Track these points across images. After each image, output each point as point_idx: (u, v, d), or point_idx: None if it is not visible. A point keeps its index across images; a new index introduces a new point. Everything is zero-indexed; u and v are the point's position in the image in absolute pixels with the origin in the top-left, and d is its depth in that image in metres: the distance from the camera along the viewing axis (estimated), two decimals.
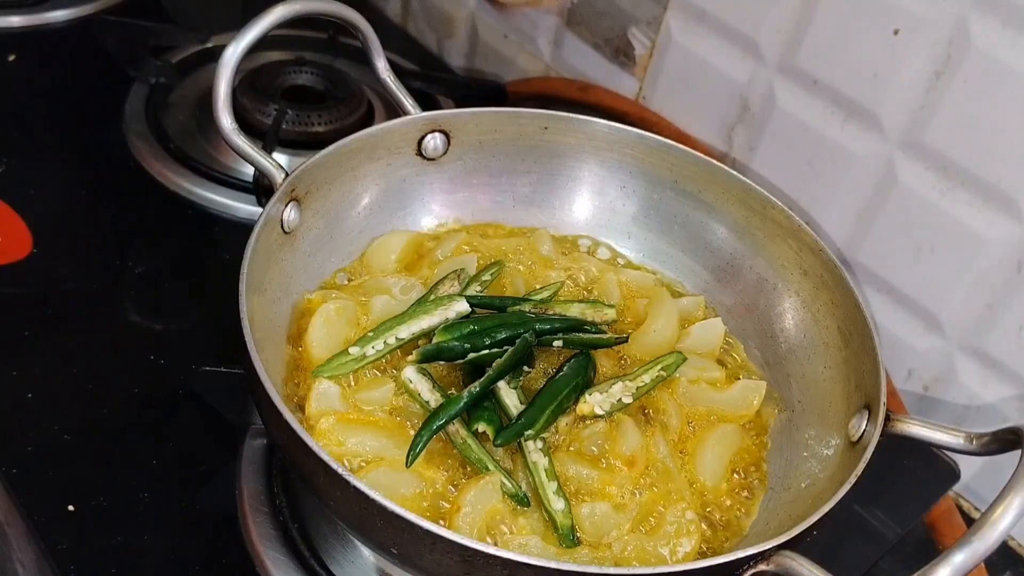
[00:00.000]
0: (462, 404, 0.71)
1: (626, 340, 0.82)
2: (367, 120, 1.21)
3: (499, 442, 0.71)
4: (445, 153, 0.91)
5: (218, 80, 0.75)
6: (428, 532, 0.55)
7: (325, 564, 0.76)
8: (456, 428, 0.72)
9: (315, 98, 1.20)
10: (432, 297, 0.81)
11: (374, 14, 1.52)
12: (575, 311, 0.84)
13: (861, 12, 0.92)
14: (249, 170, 1.09)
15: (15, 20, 1.31)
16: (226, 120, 0.76)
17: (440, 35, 1.47)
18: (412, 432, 0.72)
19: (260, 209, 0.75)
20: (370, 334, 0.77)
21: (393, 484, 0.68)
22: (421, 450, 0.69)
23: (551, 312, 0.83)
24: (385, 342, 0.77)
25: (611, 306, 0.85)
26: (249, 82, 1.18)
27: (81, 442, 0.83)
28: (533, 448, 0.71)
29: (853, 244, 1.00)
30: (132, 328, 0.96)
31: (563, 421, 0.74)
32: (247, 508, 0.79)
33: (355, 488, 0.57)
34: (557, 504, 0.69)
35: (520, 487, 0.70)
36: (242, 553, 0.77)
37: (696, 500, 0.73)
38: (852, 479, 0.63)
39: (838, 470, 0.70)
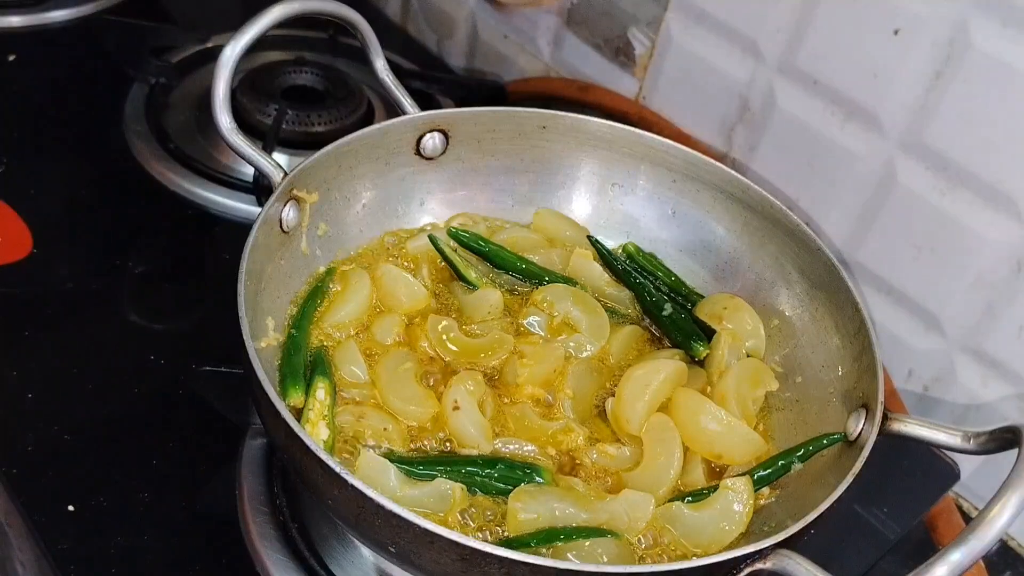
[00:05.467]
0: None
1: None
2: (367, 120, 1.21)
3: None
4: (444, 152, 0.91)
5: (217, 80, 0.75)
6: (425, 530, 0.56)
7: (325, 564, 0.76)
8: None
9: (315, 98, 1.20)
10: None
11: (374, 14, 1.52)
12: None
13: (861, 12, 0.92)
14: (249, 170, 1.09)
15: (15, 20, 1.31)
16: (225, 120, 0.76)
17: (440, 35, 1.47)
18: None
19: (260, 209, 0.75)
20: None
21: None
22: None
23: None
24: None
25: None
26: (249, 82, 1.18)
27: (81, 442, 0.83)
28: None
29: (853, 244, 1.00)
30: (132, 328, 0.96)
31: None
32: (247, 508, 0.79)
33: (353, 487, 0.57)
34: None
35: None
36: (242, 553, 0.77)
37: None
38: (849, 478, 0.63)
39: (836, 469, 0.70)
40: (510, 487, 0.69)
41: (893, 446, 0.69)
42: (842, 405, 0.76)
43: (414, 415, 0.75)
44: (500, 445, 0.74)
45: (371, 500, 0.56)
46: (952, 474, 0.95)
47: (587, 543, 0.66)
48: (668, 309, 0.87)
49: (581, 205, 0.95)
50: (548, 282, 0.88)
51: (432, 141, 0.90)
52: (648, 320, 0.88)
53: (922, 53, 0.89)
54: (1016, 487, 0.55)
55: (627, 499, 0.69)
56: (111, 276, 1.02)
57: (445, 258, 0.88)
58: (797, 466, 0.74)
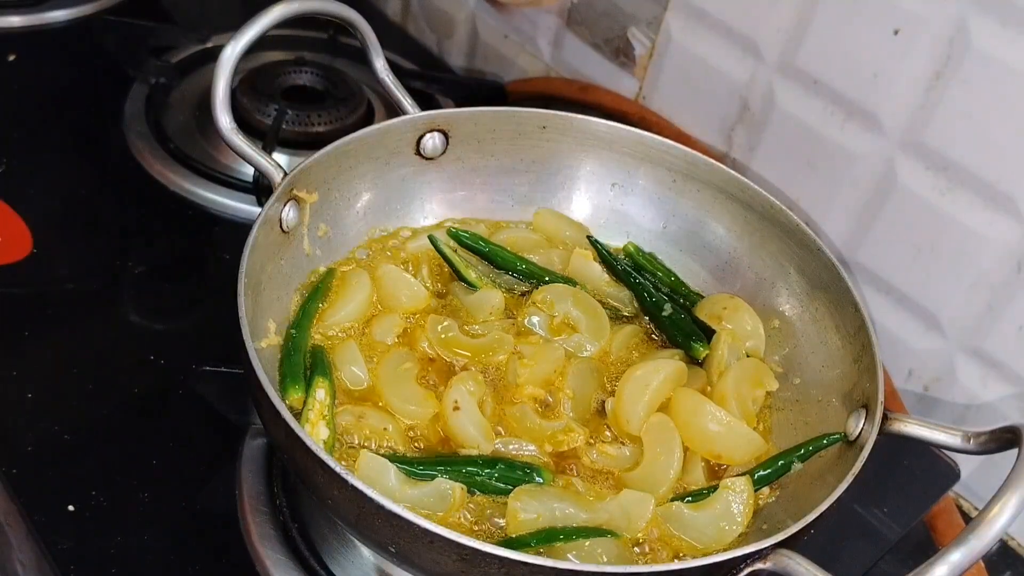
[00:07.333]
0: None
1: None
2: (367, 120, 1.21)
3: None
4: (444, 152, 0.91)
5: (216, 79, 0.75)
6: (425, 530, 0.56)
7: (325, 564, 0.76)
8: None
9: (315, 98, 1.20)
10: None
11: (374, 14, 1.52)
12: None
13: (861, 12, 0.92)
14: (249, 170, 1.09)
15: (15, 20, 1.31)
16: (224, 120, 0.76)
17: (440, 35, 1.47)
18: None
19: (260, 209, 0.75)
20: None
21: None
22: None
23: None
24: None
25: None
26: (249, 82, 1.18)
27: (81, 442, 0.83)
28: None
29: (853, 244, 1.00)
30: (132, 328, 0.96)
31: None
32: (247, 508, 0.79)
33: (353, 487, 0.57)
34: None
35: None
36: (242, 553, 0.77)
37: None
38: (849, 477, 0.63)
39: (836, 469, 0.70)
40: (510, 487, 0.69)
41: (893, 446, 0.69)
42: (842, 405, 0.76)
43: (414, 415, 0.75)
44: (500, 445, 0.74)
45: (371, 500, 0.56)
46: (952, 474, 0.95)
47: (587, 543, 0.66)
48: (668, 309, 0.87)
49: (581, 205, 0.95)
50: (548, 282, 0.88)
51: (432, 141, 0.90)
52: (648, 320, 0.88)
53: (922, 53, 0.89)
54: (1016, 487, 0.55)
55: (627, 499, 0.70)
56: (111, 276, 1.01)
57: (445, 258, 0.88)
58: (797, 466, 0.74)
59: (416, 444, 0.74)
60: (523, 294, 0.88)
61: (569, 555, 0.65)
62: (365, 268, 0.86)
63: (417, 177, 0.91)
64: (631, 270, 0.91)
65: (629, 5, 1.15)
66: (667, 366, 0.79)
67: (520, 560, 0.55)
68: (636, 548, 0.68)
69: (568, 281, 0.89)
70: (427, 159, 0.91)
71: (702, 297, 0.90)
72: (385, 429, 0.73)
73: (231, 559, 0.77)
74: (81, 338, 0.93)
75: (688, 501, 0.71)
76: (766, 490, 0.73)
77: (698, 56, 1.09)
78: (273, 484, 0.81)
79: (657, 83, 1.15)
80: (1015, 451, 0.60)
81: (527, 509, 0.67)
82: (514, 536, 0.67)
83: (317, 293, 0.82)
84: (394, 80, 0.89)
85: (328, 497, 0.60)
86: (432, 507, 0.67)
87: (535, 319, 0.84)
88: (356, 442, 0.72)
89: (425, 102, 1.23)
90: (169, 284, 1.03)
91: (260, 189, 1.05)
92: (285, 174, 0.78)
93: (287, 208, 0.79)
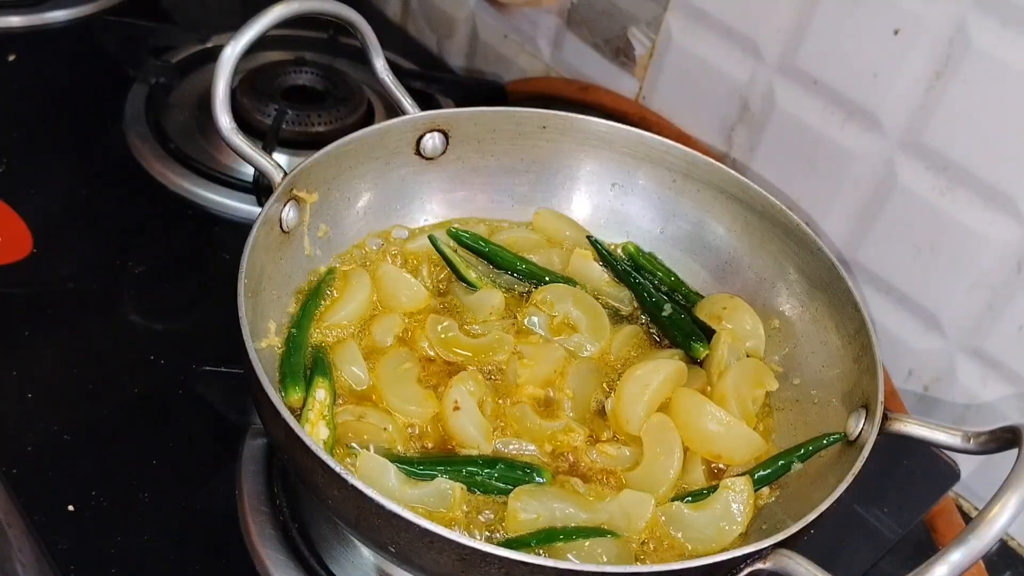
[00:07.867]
0: None
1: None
2: (367, 120, 1.21)
3: None
4: (444, 152, 0.91)
5: (216, 79, 0.75)
6: (425, 530, 0.56)
7: (325, 564, 0.76)
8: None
9: (315, 98, 1.20)
10: None
11: (374, 14, 1.52)
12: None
13: (861, 12, 0.92)
14: (249, 170, 1.09)
15: (15, 20, 1.31)
16: (224, 120, 0.76)
17: (440, 35, 1.47)
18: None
19: (260, 209, 0.75)
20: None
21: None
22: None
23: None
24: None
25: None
26: (249, 82, 1.18)
27: (81, 442, 0.83)
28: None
29: (853, 244, 1.00)
30: (132, 328, 0.96)
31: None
32: (247, 508, 0.79)
33: (353, 487, 0.57)
34: None
35: None
36: (242, 553, 0.77)
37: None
38: (849, 478, 0.63)
39: (836, 469, 0.70)
40: (510, 487, 0.69)
41: (893, 446, 0.69)
42: (842, 405, 0.76)
43: (414, 415, 0.75)
44: (500, 445, 0.74)
45: (371, 500, 0.56)
46: (952, 474, 0.95)
47: (587, 543, 0.66)
48: (668, 309, 0.87)
49: (581, 205, 0.95)
50: (548, 282, 0.88)
51: (432, 141, 0.90)
52: (648, 320, 0.88)
53: (922, 53, 0.89)
54: (1016, 487, 0.55)
55: (627, 499, 0.70)
56: (111, 276, 1.01)
57: (445, 258, 0.88)
58: (797, 466, 0.74)
59: (416, 444, 0.74)
60: (523, 294, 0.88)
61: (569, 555, 0.65)
62: (365, 268, 0.86)
63: (417, 177, 0.91)
64: (631, 270, 0.91)
65: (629, 5, 1.15)
66: (667, 366, 0.79)
67: (520, 560, 0.55)
68: (636, 548, 0.68)
69: (568, 281, 0.89)
70: (427, 159, 0.91)
71: (702, 297, 0.90)
72: (385, 429, 0.73)
73: (231, 559, 0.77)
74: (81, 338, 0.93)
75: (688, 501, 0.71)
76: (766, 490, 0.73)
77: (698, 56, 1.09)
78: (273, 484, 0.81)
79: (657, 83, 1.15)
80: (1015, 451, 0.60)
81: (527, 509, 0.67)
82: (514, 536, 0.67)
83: (317, 293, 0.82)
84: (394, 80, 0.89)
85: (328, 497, 0.60)
86: (432, 507, 0.67)
87: (535, 319, 0.84)
88: (356, 442, 0.72)
89: (425, 102, 1.23)
90: (169, 284, 1.02)
91: (260, 189, 1.05)
92: (285, 174, 0.78)
93: (287, 208, 0.79)
